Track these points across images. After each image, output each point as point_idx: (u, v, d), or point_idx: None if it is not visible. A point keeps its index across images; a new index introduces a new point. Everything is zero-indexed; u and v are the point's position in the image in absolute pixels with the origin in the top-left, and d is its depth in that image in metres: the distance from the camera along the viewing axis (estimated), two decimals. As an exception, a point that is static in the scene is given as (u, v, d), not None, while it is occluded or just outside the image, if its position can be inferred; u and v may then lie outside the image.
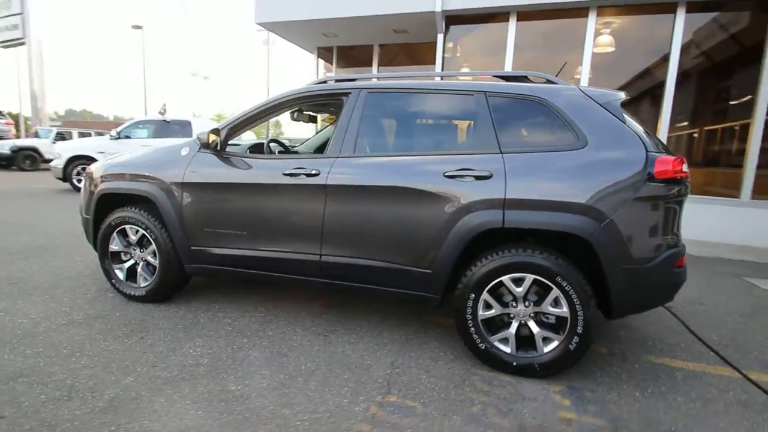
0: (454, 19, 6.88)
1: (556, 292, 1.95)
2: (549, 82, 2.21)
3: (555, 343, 2.00)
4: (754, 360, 2.35)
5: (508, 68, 6.72)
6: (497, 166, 2.02)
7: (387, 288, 2.29)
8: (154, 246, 2.67)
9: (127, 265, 2.81)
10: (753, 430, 1.73)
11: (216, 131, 2.42)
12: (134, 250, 2.78)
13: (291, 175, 2.32)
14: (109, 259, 2.82)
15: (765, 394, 1.99)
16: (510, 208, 1.97)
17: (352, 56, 9.61)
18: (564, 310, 1.95)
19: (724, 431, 1.71)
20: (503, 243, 2.05)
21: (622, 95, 2.10)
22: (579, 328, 1.93)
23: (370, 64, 9.38)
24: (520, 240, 2.09)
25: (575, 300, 1.92)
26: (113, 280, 2.82)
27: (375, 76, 2.54)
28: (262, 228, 2.42)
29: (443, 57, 7.03)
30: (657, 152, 1.94)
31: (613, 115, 2.01)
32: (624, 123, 1.99)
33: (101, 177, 2.81)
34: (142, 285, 2.76)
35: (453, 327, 2.59)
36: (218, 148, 2.47)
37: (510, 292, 2.04)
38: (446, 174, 2.07)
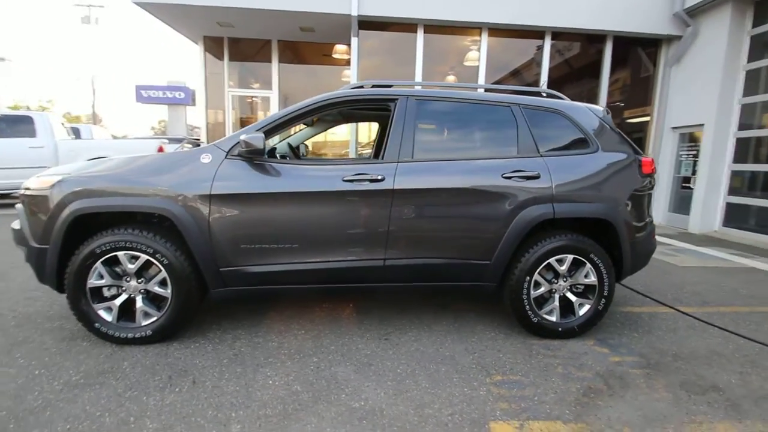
0: (366, 24, 7.14)
1: (588, 266, 2.46)
2: (557, 98, 2.71)
3: (587, 307, 2.51)
4: (674, 299, 3.36)
5: (418, 76, 7.35)
6: (542, 167, 2.41)
7: (447, 283, 2.47)
8: (164, 273, 2.20)
9: (118, 301, 2.24)
10: (704, 339, 2.56)
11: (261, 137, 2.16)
12: (128, 281, 2.24)
13: (352, 181, 2.26)
14: (87, 298, 2.20)
15: (695, 319, 2.91)
16: (557, 202, 2.39)
17: (245, 50, 8.92)
18: (593, 279, 2.48)
19: (691, 345, 2.49)
20: (546, 231, 2.46)
21: (604, 109, 2.74)
22: (605, 291, 2.49)
23: (266, 60, 8.89)
24: (558, 227, 2.53)
25: (603, 270, 2.46)
26: (97, 324, 2.21)
27: (409, 83, 2.64)
28: (319, 238, 2.29)
29: (358, 60, 7.23)
30: (640, 154, 2.63)
31: (609, 125, 2.63)
32: (615, 131, 2.63)
33: (71, 193, 2.16)
34: (144, 323, 2.25)
35: (479, 311, 2.92)
36: (264, 154, 2.21)
37: (555, 270, 2.47)
38: (504, 175, 2.37)
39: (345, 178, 2.26)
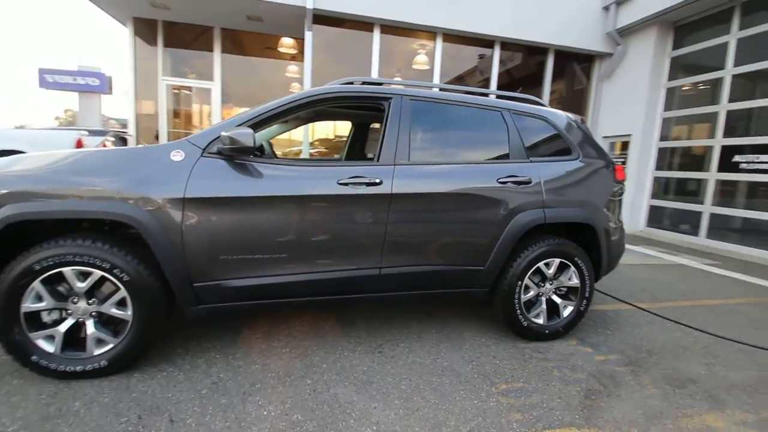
0: (320, 18, 6.87)
1: (572, 269, 2.54)
2: (538, 104, 2.76)
3: (570, 308, 2.59)
4: (629, 296, 3.63)
5: (374, 75, 7.26)
6: (532, 172, 2.43)
7: (441, 290, 2.39)
8: (123, 291, 1.85)
9: (62, 327, 1.84)
10: (666, 333, 2.78)
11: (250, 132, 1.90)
12: (75, 303, 1.85)
13: (347, 184, 2.09)
14: (21, 326, 1.77)
15: (653, 314, 3.15)
16: (547, 207, 2.42)
17: (182, 36, 8.14)
18: (576, 281, 2.56)
19: (658, 340, 2.69)
20: (532, 236, 2.49)
21: (580, 118, 2.86)
22: (587, 293, 2.59)
23: (206, 48, 8.20)
24: (543, 232, 2.57)
25: (585, 272, 2.56)
26: (35, 357, 1.79)
27: (399, 82, 2.51)
28: (311, 246, 2.08)
29: (312, 56, 6.94)
30: (612, 161, 2.77)
31: (586, 133, 2.74)
32: (592, 139, 2.75)
33: (-4, 196, 1.72)
34: (98, 352, 1.87)
35: (462, 317, 2.90)
36: (253, 153, 1.94)
37: (542, 274, 2.51)
38: (499, 180, 2.35)
39: (340, 181, 2.08)
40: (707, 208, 6.26)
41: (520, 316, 2.46)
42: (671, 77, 6.99)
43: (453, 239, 2.31)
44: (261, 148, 3.22)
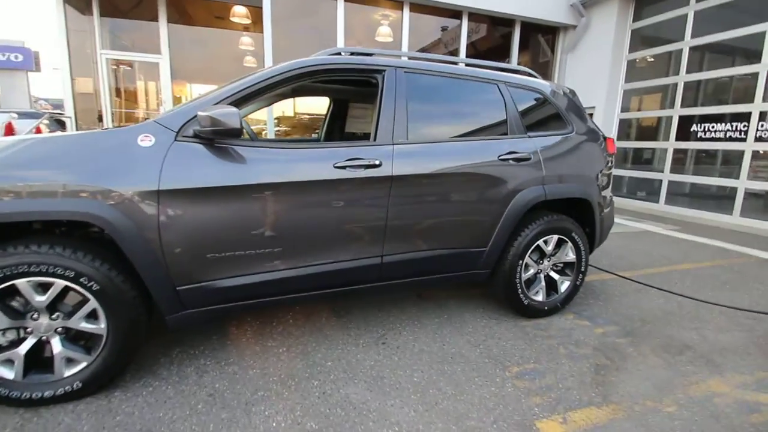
0: (279, -15, 6.35)
1: (569, 245, 2.52)
2: (531, 76, 2.65)
3: (567, 283, 2.59)
4: (610, 265, 3.73)
5: (340, 46, 6.87)
6: (531, 148, 2.35)
7: (444, 275, 2.29)
8: (94, 302, 1.59)
9: (22, 350, 1.56)
10: (652, 301, 2.88)
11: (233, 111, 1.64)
12: (36, 319, 1.57)
13: (344, 167, 1.89)
14: (-32, 351, 1.48)
15: (636, 282, 3.26)
16: (547, 184, 2.36)
17: (120, 3, 7.27)
18: (573, 257, 2.56)
19: (646, 308, 2.77)
20: (530, 214, 2.43)
21: (571, 90, 2.80)
22: (582, 267, 2.59)
23: (149, 17, 7.39)
24: (540, 209, 2.51)
25: (582, 247, 2.55)
26: (-10, 386, 1.52)
27: (393, 53, 2.29)
28: (308, 237, 1.89)
29: (271, 26, 6.43)
30: (603, 134, 2.75)
31: (578, 105, 2.68)
32: (583, 112, 2.70)
33: None
34: (69, 373, 1.61)
35: (457, 297, 2.84)
36: (240, 135, 1.69)
37: (541, 251, 2.47)
38: (500, 157, 2.24)
39: (336, 164, 1.88)
40: (666, 175, 6.59)
41: (521, 295, 2.42)
42: (632, 49, 7.17)
43: (456, 221, 2.20)
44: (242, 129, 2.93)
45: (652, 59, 6.95)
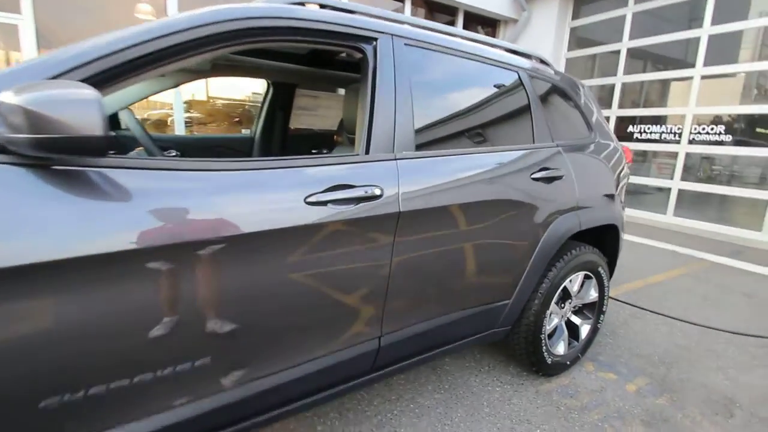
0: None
1: (593, 281, 2.02)
2: (546, 64, 2.06)
3: (587, 327, 2.09)
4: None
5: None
6: (563, 162, 1.76)
7: (455, 344, 1.61)
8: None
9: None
10: (655, 330, 2.55)
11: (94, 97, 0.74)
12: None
13: (325, 203, 1.09)
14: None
15: (627, 305, 2.93)
16: (581, 208, 1.80)
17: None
18: (595, 295, 2.06)
19: (655, 343, 2.42)
20: (562, 247, 1.85)
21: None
22: (604, 306, 2.11)
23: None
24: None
25: (605, 283, 2.06)
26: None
27: (385, 14, 1.46)
28: (262, 331, 1.06)
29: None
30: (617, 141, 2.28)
31: (595, 103, 2.17)
32: (600, 113, 2.20)
33: None
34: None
35: (450, 356, 2.21)
36: (105, 152, 0.79)
37: (566, 293, 1.93)
38: (533, 175, 1.61)
39: (309, 198, 1.07)
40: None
41: (545, 353, 1.86)
42: (570, 47, 7.16)
43: (480, 269, 1.53)
44: (116, 137, 1.92)
45: (589, 59, 7.02)
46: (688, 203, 5.74)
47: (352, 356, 1.26)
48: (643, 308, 2.87)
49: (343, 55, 2.07)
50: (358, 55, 1.33)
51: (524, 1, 7.23)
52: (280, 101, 2.48)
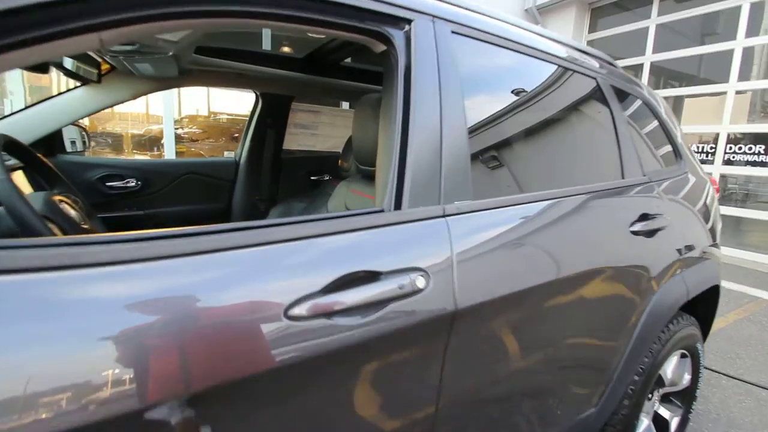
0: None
1: (688, 360, 1.49)
2: (611, 65, 1.56)
3: (677, 419, 1.56)
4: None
5: None
6: (660, 205, 1.25)
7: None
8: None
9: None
10: (736, 402, 2.00)
11: None
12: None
13: (324, 315, 0.58)
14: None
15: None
16: (687, 267, 1.28)
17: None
18: (688, 378, 1.53)
19: (723, 407, 1.88)
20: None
21: None
22: (696, 391, 1.58)
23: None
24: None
25: (700, 362, 1.54)
26: None
27: None
28: None
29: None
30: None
31: (675, 120, 1.68)
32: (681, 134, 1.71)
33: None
34: None
35: None
36: None
37: (659, 381, 1.40)
38: (632, 228, 1.10)
39: (293, 308, 0.56)
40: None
41: (634, 472, 1.31)
42: (587, 62, 6.78)
43: (559, 376, 1.00)
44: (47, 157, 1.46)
45: (607, 74, 6.62)
46: (726, 229, 5.24)
47: None
48: (718, 372, 2.32)
49: (355, 49, 1.59)
50: (380, 47, 0.83)
51: (538, 13, 6.88)
52: (272, 117, 1.99)
